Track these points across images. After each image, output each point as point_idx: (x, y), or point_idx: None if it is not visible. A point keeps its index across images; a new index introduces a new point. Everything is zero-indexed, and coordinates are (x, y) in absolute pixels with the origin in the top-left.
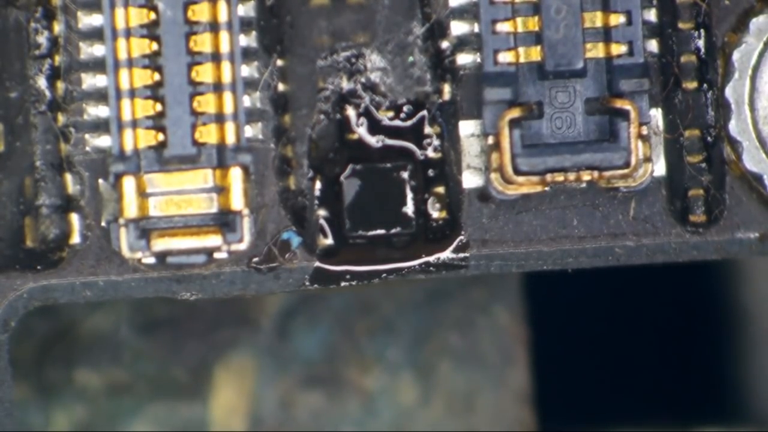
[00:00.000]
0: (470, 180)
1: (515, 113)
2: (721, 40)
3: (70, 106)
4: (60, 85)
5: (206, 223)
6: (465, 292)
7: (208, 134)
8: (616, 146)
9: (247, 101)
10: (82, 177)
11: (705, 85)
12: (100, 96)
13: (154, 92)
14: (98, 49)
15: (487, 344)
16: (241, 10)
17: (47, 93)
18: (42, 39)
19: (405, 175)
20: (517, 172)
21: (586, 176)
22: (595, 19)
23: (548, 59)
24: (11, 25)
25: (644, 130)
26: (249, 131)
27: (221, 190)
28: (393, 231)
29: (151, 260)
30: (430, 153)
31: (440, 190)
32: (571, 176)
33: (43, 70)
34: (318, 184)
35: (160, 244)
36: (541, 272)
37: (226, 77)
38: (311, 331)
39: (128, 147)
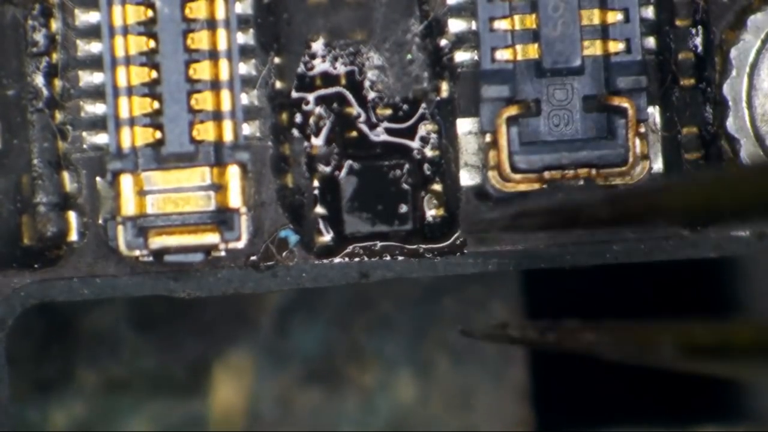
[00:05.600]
0: (468, 177)
1: (513, 111)
2: (718, 37)
3: (68, 104)
4: (57, 83)
5: (204, 221)
6: (463, 289)
7: (206, 132)
8: (613, 143)
9: (244, 99)
10: (79, 175)
11: (702, 83)
12: (97, 93)
13: (152, 90)
14: (95, 47)
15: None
16: (239, 8)
17: (44, 90)
18: (39, 36)
19: (402, 172)
20: (515, 169)
21: (583, 174)
22: (592, 16)
23: (546, 57)
24: (8, 23)
25: (642, 128)
26: (246, 129)
27: (219, 188)
28: (390, 228)
29: (149, 258)
30: (428, 151)
31: (437, 187)
32: (569, 173)
33: (41, 68)
34: (316, 182)
35: (157, 242)
36: (538, 270)
37: (224, 75)
38: (309, 329)
39: (126, 145)
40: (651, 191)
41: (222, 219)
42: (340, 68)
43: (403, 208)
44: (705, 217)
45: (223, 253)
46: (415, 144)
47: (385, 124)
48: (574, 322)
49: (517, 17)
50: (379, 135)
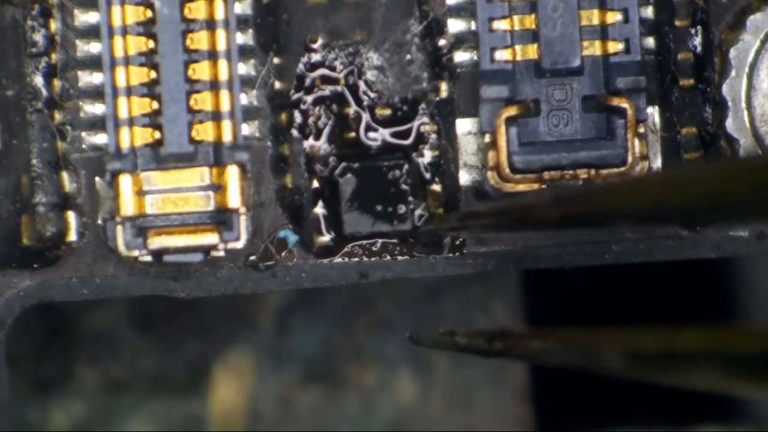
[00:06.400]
0: (467, 178)
1: (512, 111)
2: (718, 37)
3: (67, 104)
4: (57, 83)
5: (203, 222)
6: (462, 289)
7: (205, 132)
8: (612, 144)
9: (244, 99)
10: (78, 175)
11: (702, 83)
12: (96, 94)
13: (151, 90)
14: (95, 47)
15: None
16: (238, 8)
17: (44, 91)
18: (39, 37)
19: (402, 172)
20: (514, 170)
21: (583, 174)
22: (591, 16)
23: (545, 57)
24: (8, 23)
25: (641, 128)
26: (246, 129)
27: (218, 188)
28: (390, 228)
29: (148, 258)
30: (427, 151)
31: (437, 188)
32: (568, 174)
33: (40, 68)
34: (315, 182)
35: (156, 242)
36: (538, 270)
37: (223, 75)
38: (309, 328)
39: (125, 145)
40: (596, 192)
41: (221, 219)
42: (340, 69)
43: (403, 209)
44: (654, 217)
45: (222, 254)
46: (414, 144)
47: (384, 126)
48: (521, 328)
49: (516, 17)
50: (379, 135)
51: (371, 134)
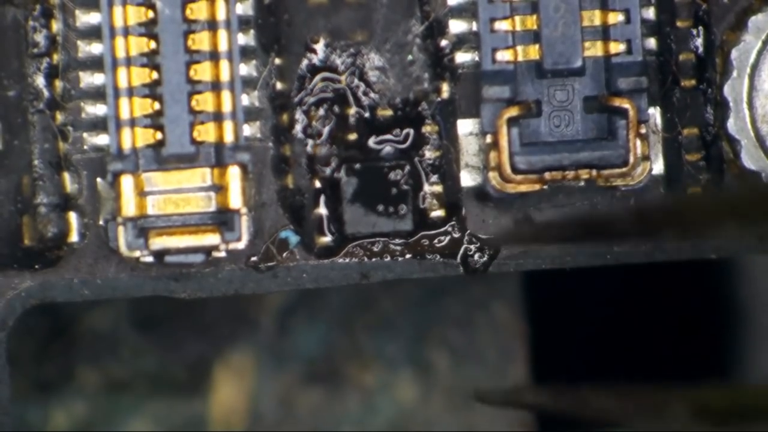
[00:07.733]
0: (468, 178)
1: (513, 112)
2: (719, 38)
3: (68, 105)
4: (58, 84)
5: (204, 222)
6: (464, 289)
7: (207, 133)
8: (614, 145)
9: (245, 100)
10: (80, 176)
11: (703, 84)
12: (98, 94)
13: (152, 91)
14: (96, 48)
15: (487, 341)
16: (240, 9)
17: (45, 91)
18: (40, 37)
19: (403, 173)
20: (516, 170)
21: (584, 175)
22: (593, 17)
23: (546, 57)
24: (9, 24)
25: (642, 129)
26: (247, 130)
27: (219, 188)
28: (391, 229)
29: (150, 259)
30: (428, 152)
31: (438, 188)
32: (570, 175)
33: (41, 69)
34: (316, 183)
35: (158, 242)
36: (538, 270)
37: (224, 76)
38: (310, 328)
39: (126, 146)
40: (678, 205)
41: (222, 220)
42: (341, 69)
43: (404, 209)
44: (737, 229)
45: (223, 254)
46: (415, 145)
47: (386, 125)
48: (586, 387)
49: (518, 18)
50: (380, 136)
51: (372, 135)
